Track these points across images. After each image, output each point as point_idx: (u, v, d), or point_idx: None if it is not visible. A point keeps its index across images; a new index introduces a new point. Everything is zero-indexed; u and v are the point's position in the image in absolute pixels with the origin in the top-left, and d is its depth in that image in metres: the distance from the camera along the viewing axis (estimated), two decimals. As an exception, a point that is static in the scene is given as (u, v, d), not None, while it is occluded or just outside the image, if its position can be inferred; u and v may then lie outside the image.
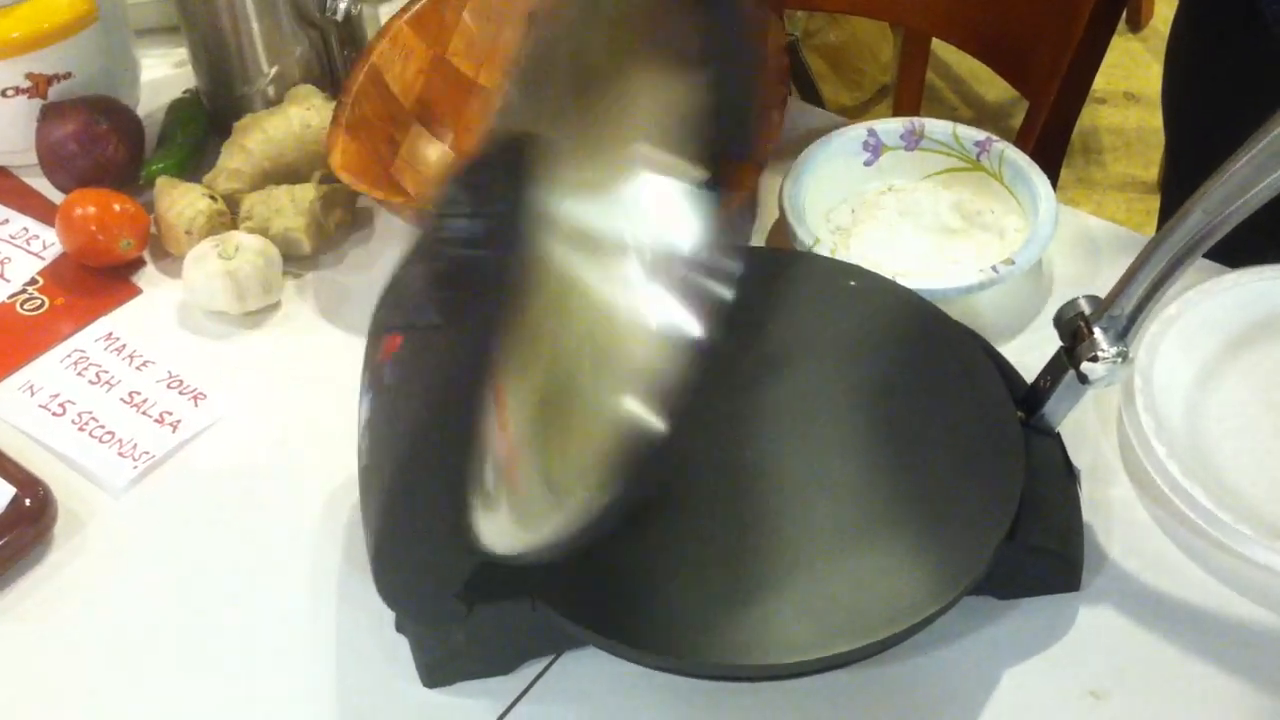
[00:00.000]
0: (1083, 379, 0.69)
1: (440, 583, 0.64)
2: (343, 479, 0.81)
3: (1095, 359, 0.68)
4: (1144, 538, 0.76)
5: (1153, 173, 2.28)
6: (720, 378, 0.71)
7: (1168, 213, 1.27)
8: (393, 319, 0.63)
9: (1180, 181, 1.22)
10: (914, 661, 0.70)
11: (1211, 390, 0.83)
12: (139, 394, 0.88)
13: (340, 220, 0.98)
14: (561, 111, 0.63)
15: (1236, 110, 1.12)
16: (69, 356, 0.91)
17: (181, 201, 0.95)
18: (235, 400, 0.87)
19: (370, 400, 0.65)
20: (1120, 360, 0.69)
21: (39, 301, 0.95)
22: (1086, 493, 0.75)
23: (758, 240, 0.95)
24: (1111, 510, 0.77)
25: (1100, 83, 2.61)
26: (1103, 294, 0.73)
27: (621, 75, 0.64)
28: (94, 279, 0.96)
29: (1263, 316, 0.86)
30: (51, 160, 1.01)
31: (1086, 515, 0.74)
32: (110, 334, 0.92)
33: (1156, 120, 1.34)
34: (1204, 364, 0.84)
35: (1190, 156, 1.18)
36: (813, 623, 0.64)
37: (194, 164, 1.03)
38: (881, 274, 0.82)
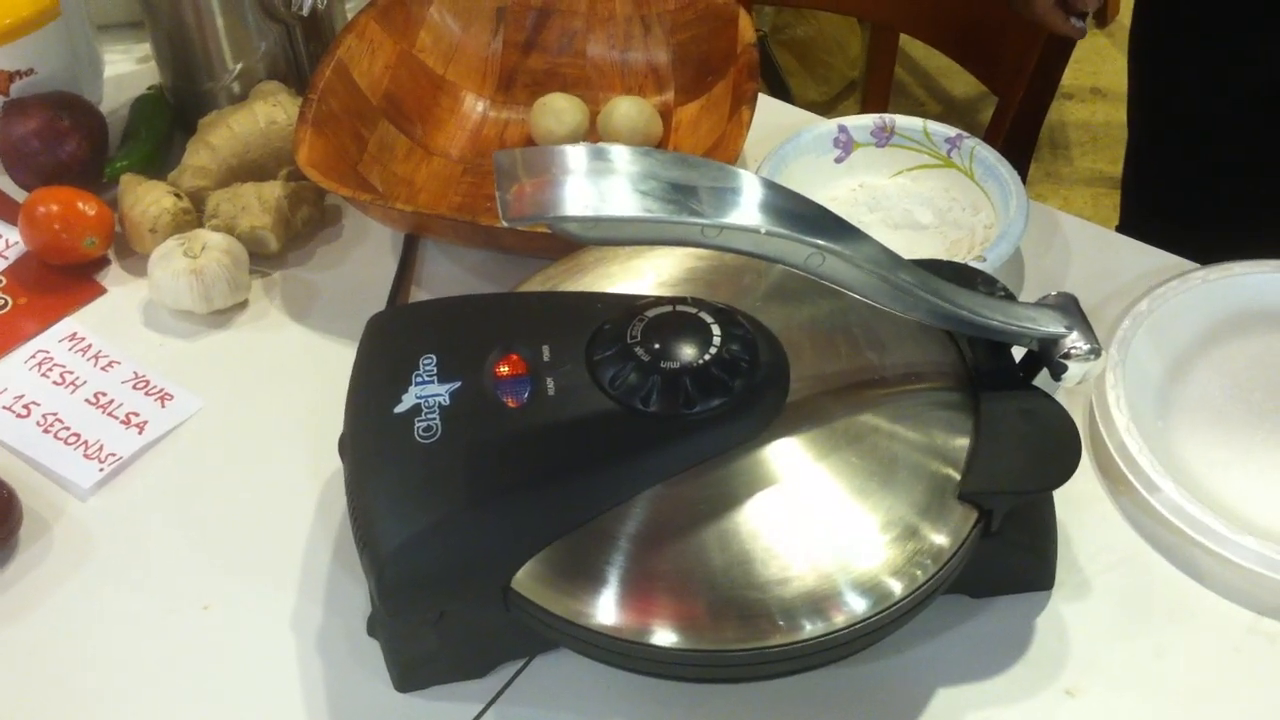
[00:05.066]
0: (1056, 375, 0.69)
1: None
2: (310, 478, 0.80)
3: (1069, 355, 0.68)
4: (1116, 533, 0.76)
5: (1119, 168, 2.28)
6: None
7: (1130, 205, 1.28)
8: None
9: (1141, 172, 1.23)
10: (889, 661, 0.70)
11: (1182, 385, 0.83)
12: (105, 395, 0.87)
13: (308, 218, 0.97)
14: None
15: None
16: (33, 357, 0.90)
17: (146, 199, 0.94)
18: (202, 400, 0.87)
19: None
20: (1093, 356, 0.69)
21: (1, 301, 0.94)
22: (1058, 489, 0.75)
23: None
24: (1084, 506, 0.77)
25: (1067, 78, 2.62)
26: (1075, 289, 0.73)
27: None
28: (58, 278, 0.95)
29: (1232, 312, 0.86)
30: (13, 158, 0.99)
31: (1059, 511, 0.74)
32: (75, 334, 0.91)
33: (1123, 115, 1.34)
34: (1175, 359, 0.84)
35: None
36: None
37: (159, 161, 1.02)
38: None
